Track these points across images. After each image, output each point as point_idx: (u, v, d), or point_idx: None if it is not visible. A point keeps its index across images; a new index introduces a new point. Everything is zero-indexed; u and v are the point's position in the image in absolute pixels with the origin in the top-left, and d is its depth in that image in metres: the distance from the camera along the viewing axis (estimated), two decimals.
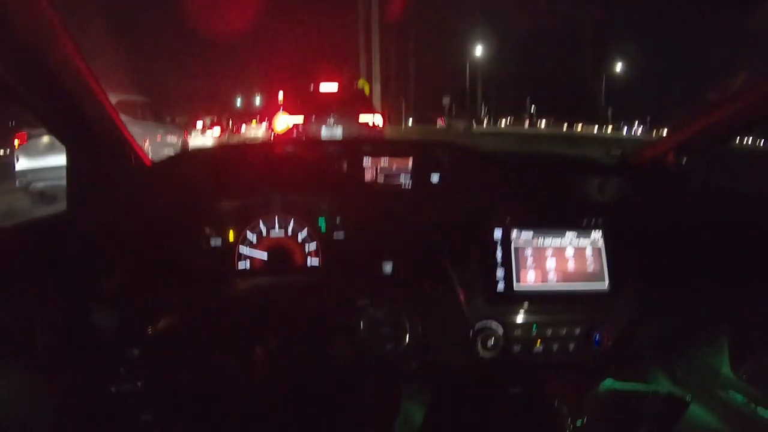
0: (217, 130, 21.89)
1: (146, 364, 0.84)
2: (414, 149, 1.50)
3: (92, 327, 0.85)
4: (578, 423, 1.25)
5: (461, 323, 1.02)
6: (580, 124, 36.42)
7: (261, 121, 25.81)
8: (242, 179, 1.10)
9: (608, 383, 1.29)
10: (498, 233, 1.24)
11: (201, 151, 1.44)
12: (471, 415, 1.22)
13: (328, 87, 8.78)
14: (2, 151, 8.76)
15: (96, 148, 1.16)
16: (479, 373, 1.20)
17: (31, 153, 6.36)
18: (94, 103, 1.06)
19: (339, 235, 1.27)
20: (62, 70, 0.93)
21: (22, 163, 6.39)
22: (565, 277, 1.24)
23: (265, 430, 0.92)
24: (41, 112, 1.02)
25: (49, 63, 0.90)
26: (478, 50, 35.93)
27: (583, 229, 1.27)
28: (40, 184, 6.35)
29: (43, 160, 6.34)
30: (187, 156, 1.06)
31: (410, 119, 34.09)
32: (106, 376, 0.82)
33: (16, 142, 6.46)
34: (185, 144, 9.74)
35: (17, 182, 6.34)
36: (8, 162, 6.93)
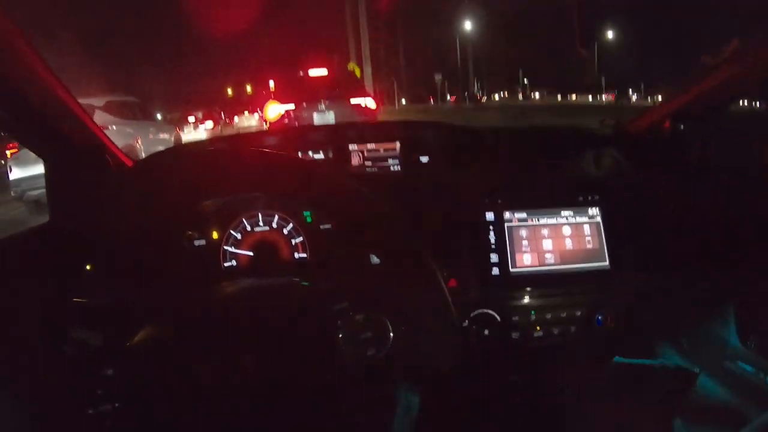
0: (209, 124, 21.86)
1: (123, 382, 0.79)
2: (402, 131, 1.44)
3: (74, 345, 0.80)
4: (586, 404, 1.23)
5: (450, 318, 0.89)
6: (574, 95, 36.33)
7: (253, 111, 25.76)
8: (223, 177, 0.99)
9: (615, 361, 1.26)
10: (490, 216, 1.18)
11: (183, 149, 1.39)
12: (471, 406, 1.19)
13: (318, 72, 8.66)
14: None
15: (72, 156, 1.12)
16: (479, 363, 1.15)
17: (23, 162, 6.30)
18: (65, 113, 1.03)
19: (326, 226, 1.23)
20: (28, 85, 0.91)
21: (15, 173, 6.36)
22: (564, 257, 1.18)
23: None
24: (12, 126, 1.00)
25: (14, 80, 0.87)
26: (467, 26, 35.58)
27: (580, 206, 1.21)
28: (33, 193, 6.28)
29: (36, 168, 6.30)
30: (168, 155, 1.00)
31: (403, 99, 34.01)
32: (85, 397, 0.77)
33: (8, 152, 6.43)
34: (178, 139, 9.69)
35: (12, 192, 6.32)
36: (2, 172, 6.89)
